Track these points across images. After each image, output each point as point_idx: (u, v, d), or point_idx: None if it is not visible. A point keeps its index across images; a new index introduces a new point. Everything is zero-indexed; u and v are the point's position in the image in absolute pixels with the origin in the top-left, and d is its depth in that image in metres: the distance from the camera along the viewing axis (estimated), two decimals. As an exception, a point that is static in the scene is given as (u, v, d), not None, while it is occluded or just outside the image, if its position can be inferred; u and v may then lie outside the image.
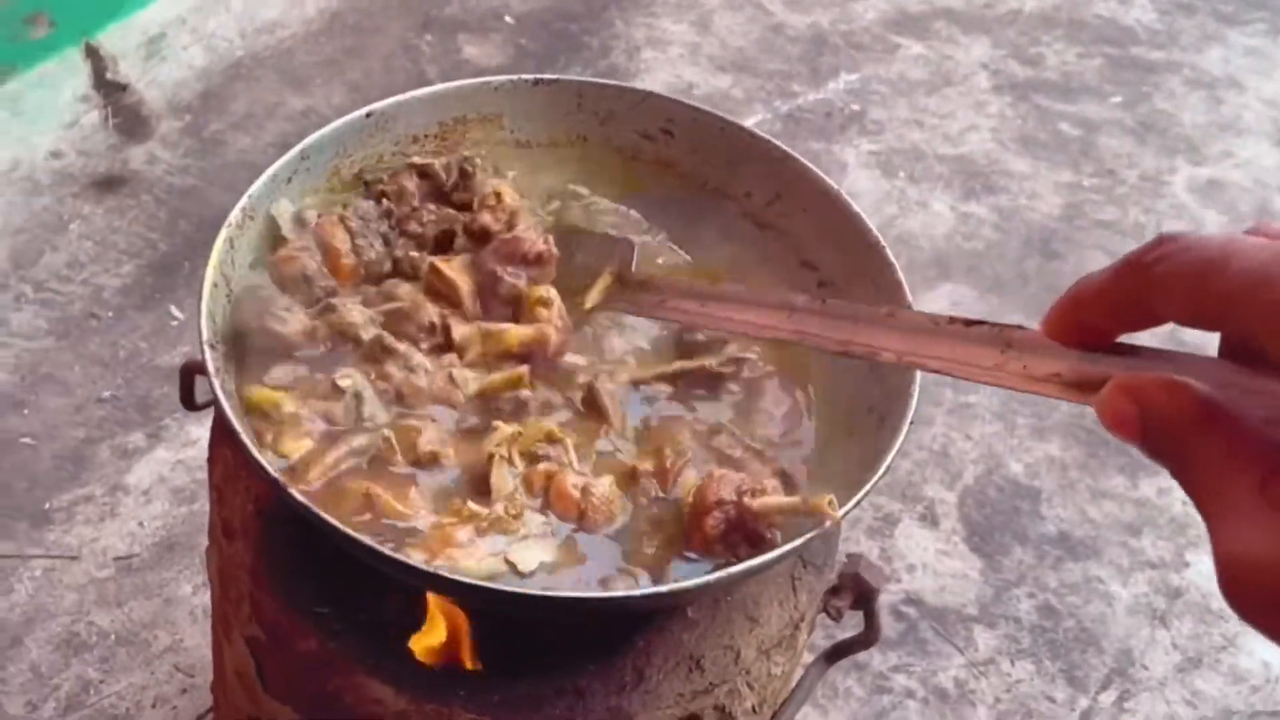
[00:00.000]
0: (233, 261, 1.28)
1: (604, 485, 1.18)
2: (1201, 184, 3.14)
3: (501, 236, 1.35)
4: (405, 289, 1.33)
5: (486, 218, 1.37)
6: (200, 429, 2.16)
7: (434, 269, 1.33)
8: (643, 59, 3.29)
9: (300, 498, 1.09)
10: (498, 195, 1.40)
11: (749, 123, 3.11)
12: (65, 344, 2.35)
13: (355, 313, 1.29)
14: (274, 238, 1.35)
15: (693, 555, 1.17)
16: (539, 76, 1.51)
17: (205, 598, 2.00)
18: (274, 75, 3.00)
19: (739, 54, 3.35)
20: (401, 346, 1.27)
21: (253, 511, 1.27)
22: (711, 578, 1.07)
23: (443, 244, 1.38)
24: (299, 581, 1.23)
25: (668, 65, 3.28)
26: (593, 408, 1.28)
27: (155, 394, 2.28)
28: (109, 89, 2.78)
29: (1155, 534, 2.32)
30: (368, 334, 1.27)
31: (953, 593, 2.18)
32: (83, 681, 1.90)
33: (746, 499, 1.16)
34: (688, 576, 1.13)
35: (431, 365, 1.28)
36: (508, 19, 3.33)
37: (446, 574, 1.06)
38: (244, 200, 1.31)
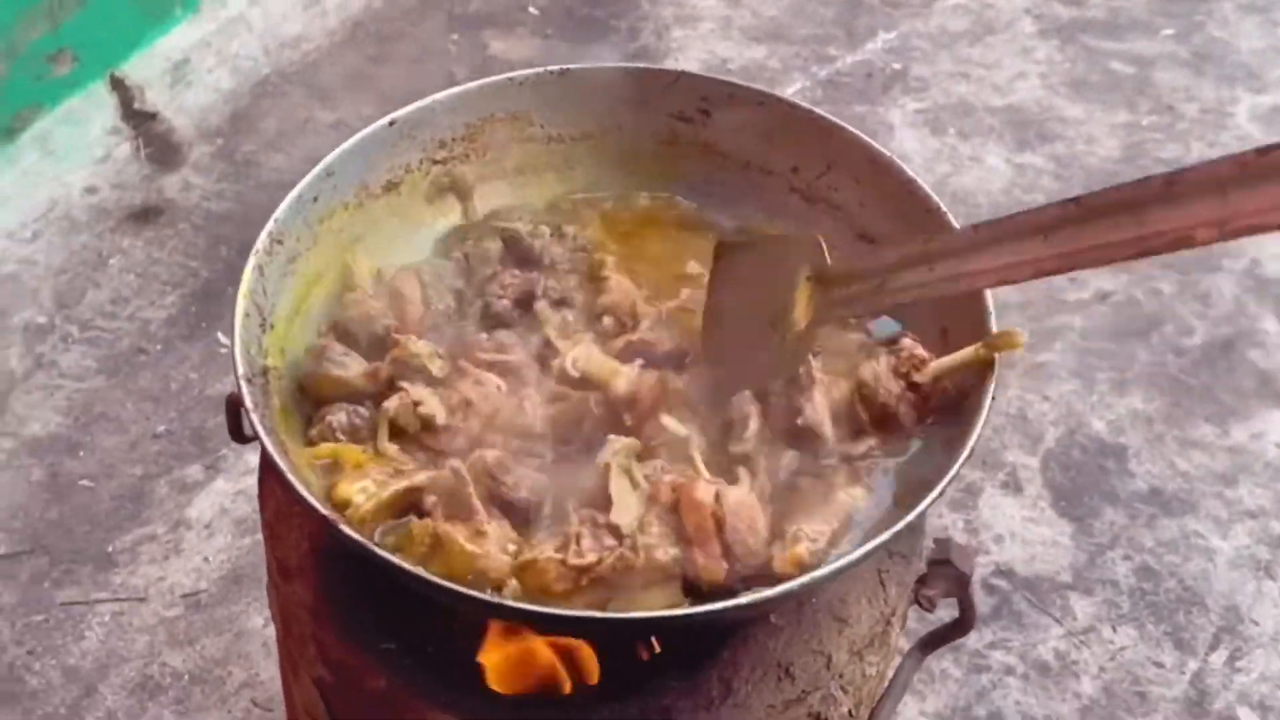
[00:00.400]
0: (264, 289, 1.23)
1: (741, 489, 1.11)
2: (1265, 111, 3.01)
3: (629, 339, 1.26)
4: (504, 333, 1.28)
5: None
6: (257, 458, 2.11)
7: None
8: (673, 38, 3.21)
9: (354, 535, 1.03)
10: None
11: (788, 92, 3.03)
12: (115, 381, 2.32)
13: (420, 345, 1.23)
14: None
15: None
16: (565, 67, 1.44)
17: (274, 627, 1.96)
18: (301, 91, 2.95)
19: (772, 23, 3.26)
20: (474, 369, 1.22)
21: (308, 549, 1.21)
22: (796, 584, 1.00)
23: (524, 304, 1.31)
24: (361, 618, 1.17)
25: (699, 42, 3.20)
26: None
27: (209, 424, 2.25)
28: (138, 119, 2.75)
29: (1252, 481, 2.22)
30: (434, 364, 1.21)
31: (1044, 561, 2.09)
32: (161, 725, 1.87)
33: (915, 375, 1.15)
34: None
35: (505, 387, 1.22)
36: (532, 10, 3.26)
37: (526, 607, 1.00)
38: (270, 225, 1.26)
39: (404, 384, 1.19)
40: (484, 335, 1.28)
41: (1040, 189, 2.80)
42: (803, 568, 1.06)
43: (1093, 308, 2.53)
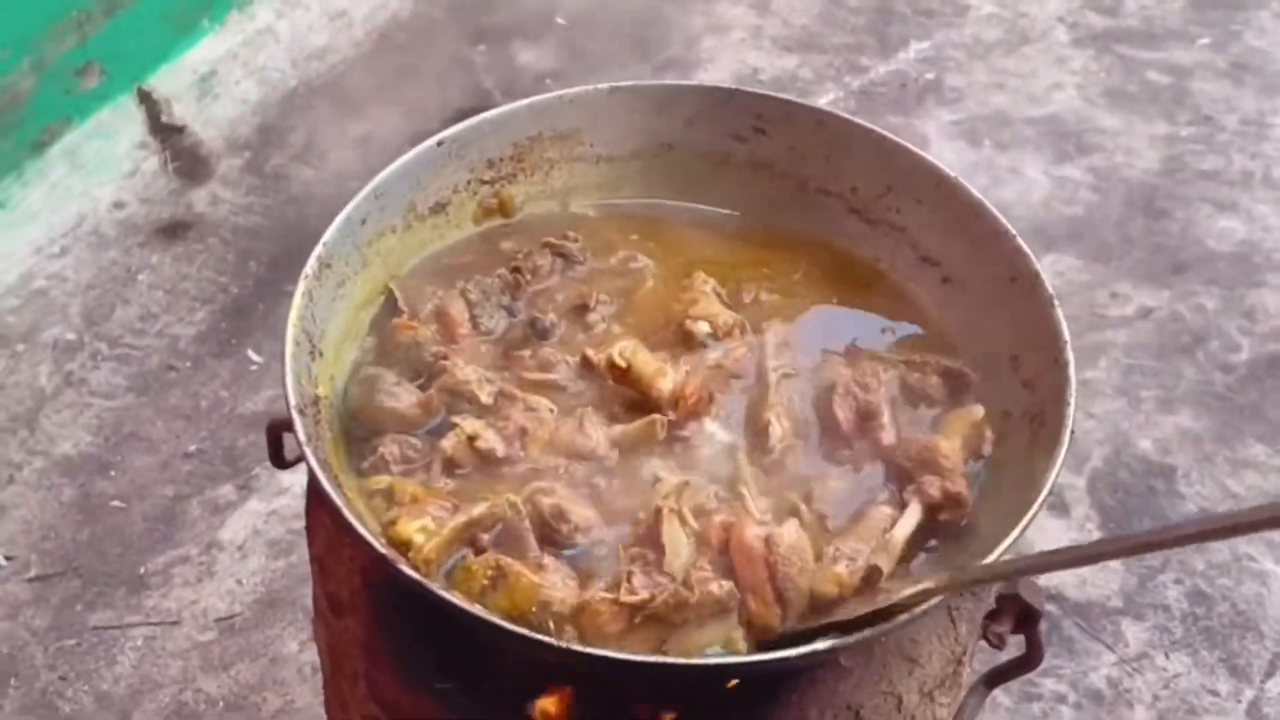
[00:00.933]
0: (313, 316, 1.20)
1: (790, 531, 1.07)
2: (1307, 121, 2.96)
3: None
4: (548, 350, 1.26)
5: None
6: (292, 477, 2.08)
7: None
8: (703, 48, 3.17)
9: (411, 572, 1.00)
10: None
11: (821, 103, 2.99)
12: (146, 399, 2.29)
13: (468, 371, 1.20)
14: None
15: None
16: (614, 85, 1.41)
17: (312, 653, 1.92)
18: (329, 103, 2.92)
19: (803, 31, 3.22)
20: (521, 393, 1.19)
21: (361, 584, 1.18)
22: (869, 632, 0.96)
23: (575, 315, 1.30)
24: (417, 655, 1.13)
25: (730, 51, 3.16)
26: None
27: (241, 443, 2.22)
28: (165, 132, 2.73)
29: (1304, 503, 2.17)
30: (484, 390, 1.18)
31: (1094, 585, 2.05)
32: (195, 753, 1.83)
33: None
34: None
35: (556, 411, 1.19)
36: (559, 20, 3.23)
37: (594, 652, 0.96)
38: (319, 249, 1.22)
39: (457, 419, 1.16)
40: (527, 353, 1.26)
41: (1080, 201, 2.75)
42: (842, 586, 1.04)
43: (1136, 324, 2.49)
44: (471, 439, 1.14)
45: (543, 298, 1.32)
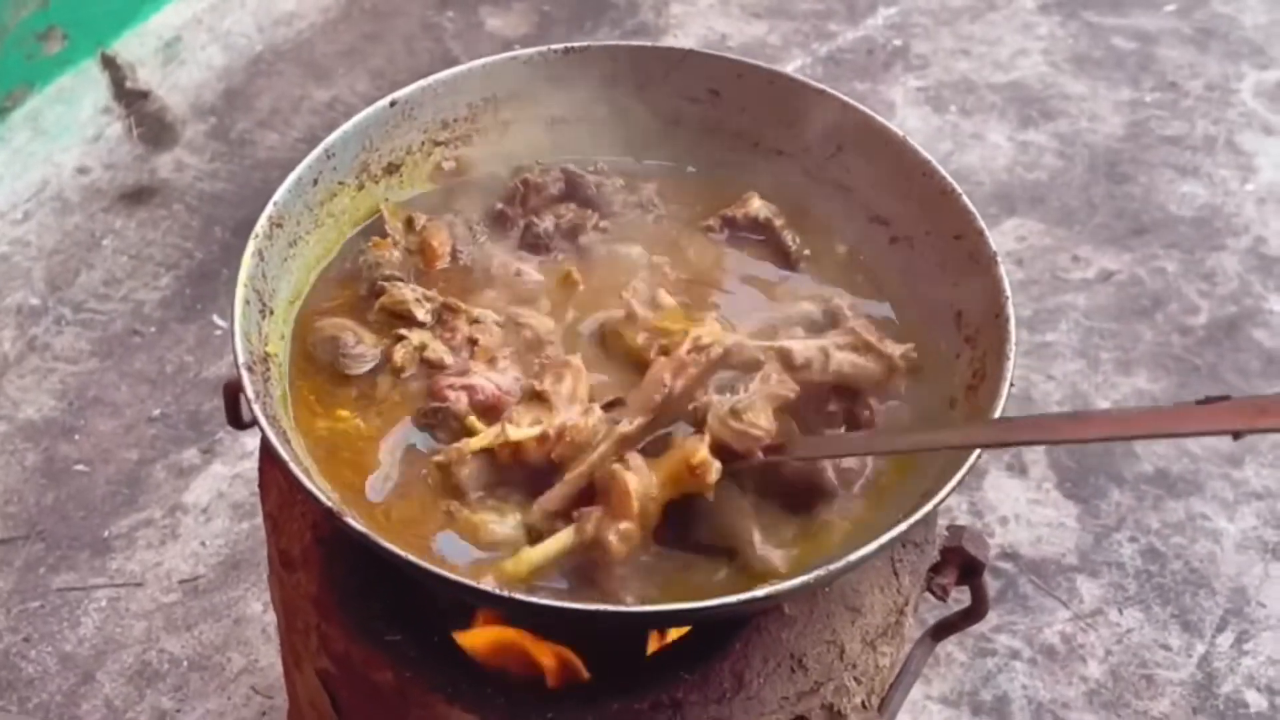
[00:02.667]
0: (264, 274, 1.20)
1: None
2: (1270, 88, 2.98)
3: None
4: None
5: None
6: (255, 440, 2.08)
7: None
8: (672, 14, 3.17)
9: (358, 526, 1.01)
10: None
11: (788, 69, 2.98)
12: (110, 364, 2.29)
13: (405, 290, 1.24)
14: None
15: None
16: (568, 45, 1.41)
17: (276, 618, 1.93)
18: (295, 68, 2.91)
19: (771, -2, 3.22)
20: (465, 305, 1.25)
21: (312, 539, 1.19)
22: (810, 576, 0.98)
23: (570, 235, 1.35)
24: (367, 609, 1.15)
25: (698, 18, 3.16)
26: None
27: (206, 408, 2.22)
28: (129, 98, 2.71)
29: (1258, 462, 2.20)
30: (421, 309, 1.23)
31: (1050, 543, 2.08)
32: (158, 712, 1.84)
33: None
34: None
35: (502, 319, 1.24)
36: (528, -14, 3.22)
37: (524, 598, 0.98)
38: (269, 208, 1.23)
39: (403, 331, 1.21)
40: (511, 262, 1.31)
41: (1043, 166, 2.77)
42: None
43: (1096, 287, 2.51)
44: (420, 349, 1.18)
45: (547, 212, 1.35)
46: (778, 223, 1.35)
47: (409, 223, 1.33)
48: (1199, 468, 2.19)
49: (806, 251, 1.34)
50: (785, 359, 1.15)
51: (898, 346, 1.19)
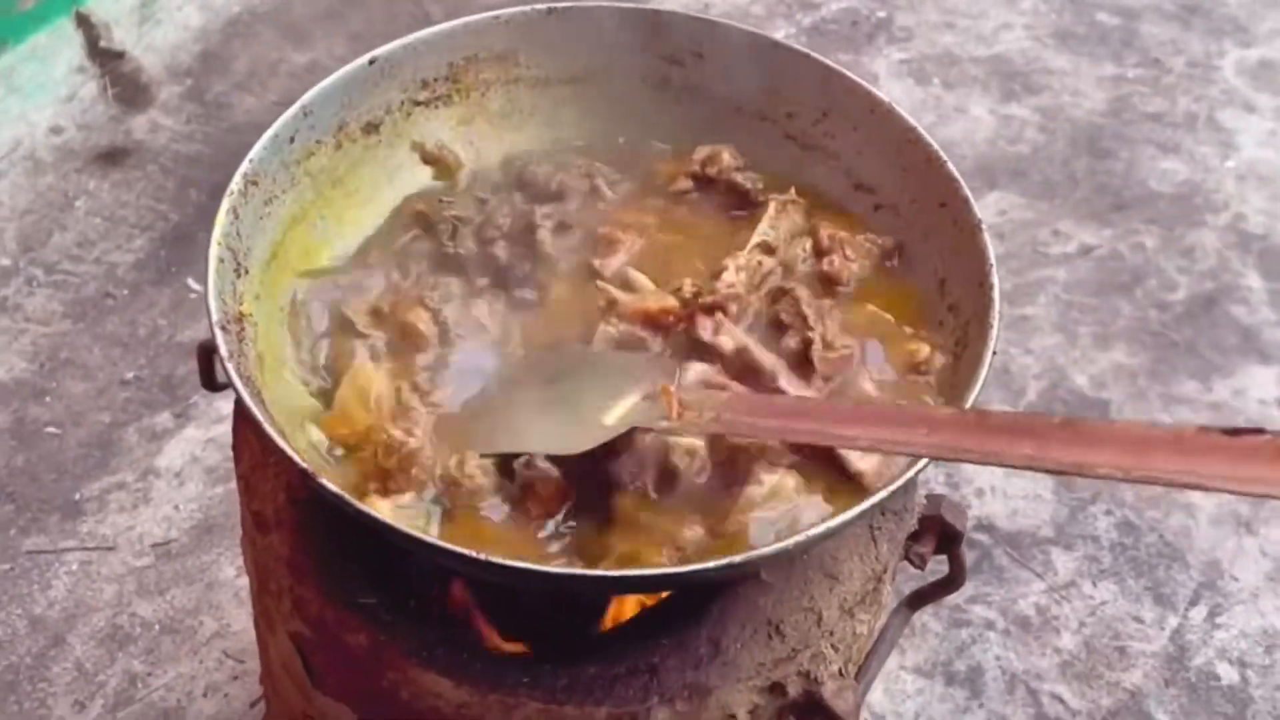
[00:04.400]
0: (238, 233, 1.18)
1: None
2: (1252, 65, 2.98)
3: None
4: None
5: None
6: (229, 404, 2.06)
7: None
8: (655, -19, 3.14)
9: (332, 488, 1.00)
10: None
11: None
12: (82, 326, 2.26)
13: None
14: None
15: None
16: (552, 5, 1.39)
17: (248, 580, 1.92)
18: (273, 30, 2.88)
19: (755, -33, 3.20)
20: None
21: (285, 501, 1.18)
22: (790, 542, 0.97)
23: (525, 240, 1.28)
24: (341, 571, 1.14)
25: (682, -15, 3.13)
26: None
27: (180, 371, 2.20)
28: (104, 58, 2.67)
29: (1233, 438, 2.21)
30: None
31: (1026, 515, 2.08)
32: (130, 676, 1.83)
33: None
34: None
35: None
36: (511, -50, 3.18)
37: (500, 561, 0.96)
38: (245, 165, 1.21)
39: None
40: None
41: (1025, 140, 2.76)
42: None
43: (1076, 261, 2.51)
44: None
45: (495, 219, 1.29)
46: (741, 173, 1.34)
47: (376, 314, 1.22)
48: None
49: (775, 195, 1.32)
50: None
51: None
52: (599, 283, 1.24)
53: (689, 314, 1.19)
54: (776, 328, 1.20)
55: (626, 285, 1.24)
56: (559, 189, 1.33)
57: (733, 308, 1.19)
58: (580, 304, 1.24)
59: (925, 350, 1.17)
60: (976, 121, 2.80)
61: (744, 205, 1.33)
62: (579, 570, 1.00)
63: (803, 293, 1.20)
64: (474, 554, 0.97)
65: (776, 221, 1.30)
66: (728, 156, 1.35)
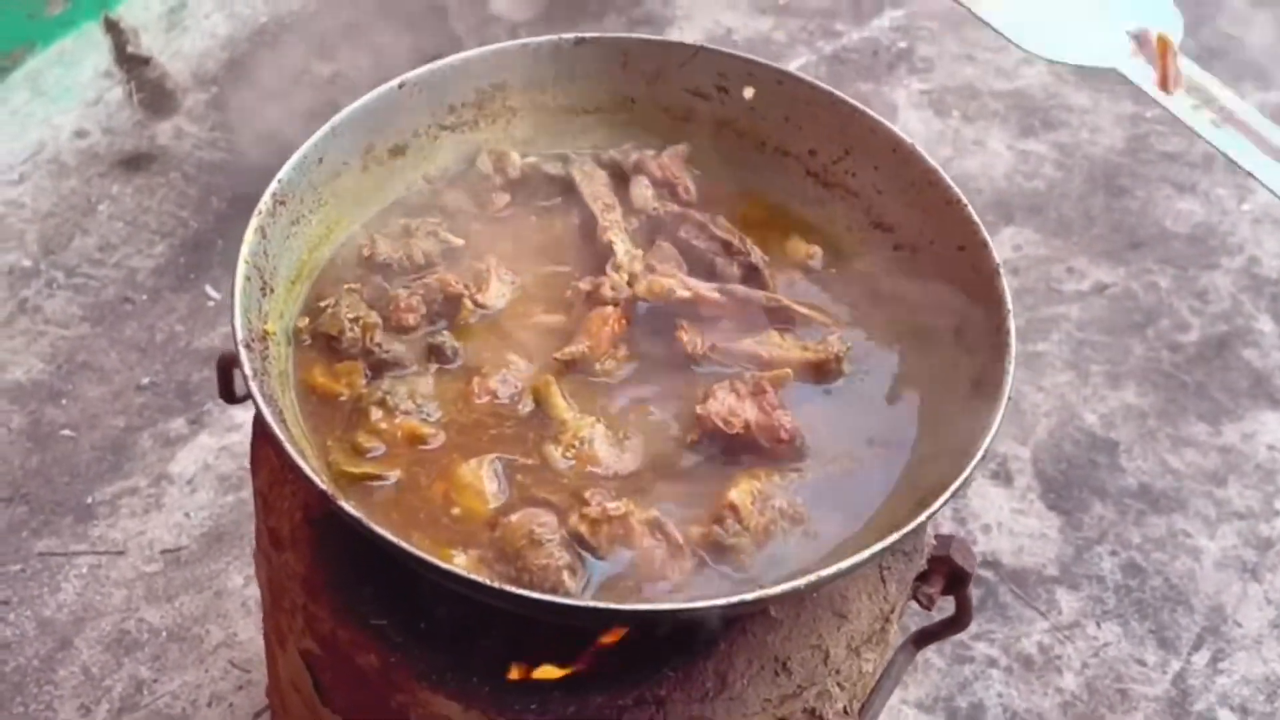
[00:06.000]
0: (265, 252, 1.20)
1: None
2: (1273, 109, 2.98)
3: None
4: None
5: None
6: (244, 414, 2.08)
7: None
8: (679, 4, 3.16)
9: (352, 510, 1.01)
10: None
11: (792, 67, 2.98)
12: (100, 330, 2.28)
13: None
14: None
15: None
16: (580, 36, 1.41)
17: (256, 588, 1.93)
18: (299, 41, 2.90)
19: (778, -6, 3.22)
20: None
21: (302, 519, 1.19)
22: (802, 582, 0.98)
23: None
24: (355, 591, 1.15)
25: (705, 10, 3.15)
26: None
27: (195, 378, 2.21)
28: (131, 63, 2.69)
29: (1241, 482, 2.21)
30: None
31: (1031, 553, 2.09)
32: (135, 681, 1.84)
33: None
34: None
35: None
36: (536, -32, 3.21)
37: (514, 591, 0.98)
38: (274, 185, 1.23)
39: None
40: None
41: (1042, 176, 2.77)
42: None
43: (1090, 299, 2.52)
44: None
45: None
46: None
47: (374, 431, 1.18)
48: (1182, 485, 2.20)
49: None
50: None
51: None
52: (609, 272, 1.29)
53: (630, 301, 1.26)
54: (691, 253, 1.31)
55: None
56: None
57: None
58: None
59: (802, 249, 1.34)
60: (994, 156, 2.81)
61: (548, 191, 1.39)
62: (590, 603, 1.01)
63: (698, 215, 1.33)
64: (490, 582, 0.98)
65: (592, 184, 1.37)
66: (515, 156, 1.39)
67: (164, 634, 1.89)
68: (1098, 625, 2.00)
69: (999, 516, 2.13)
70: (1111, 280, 2.55)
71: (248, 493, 2.06)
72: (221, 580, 1.96)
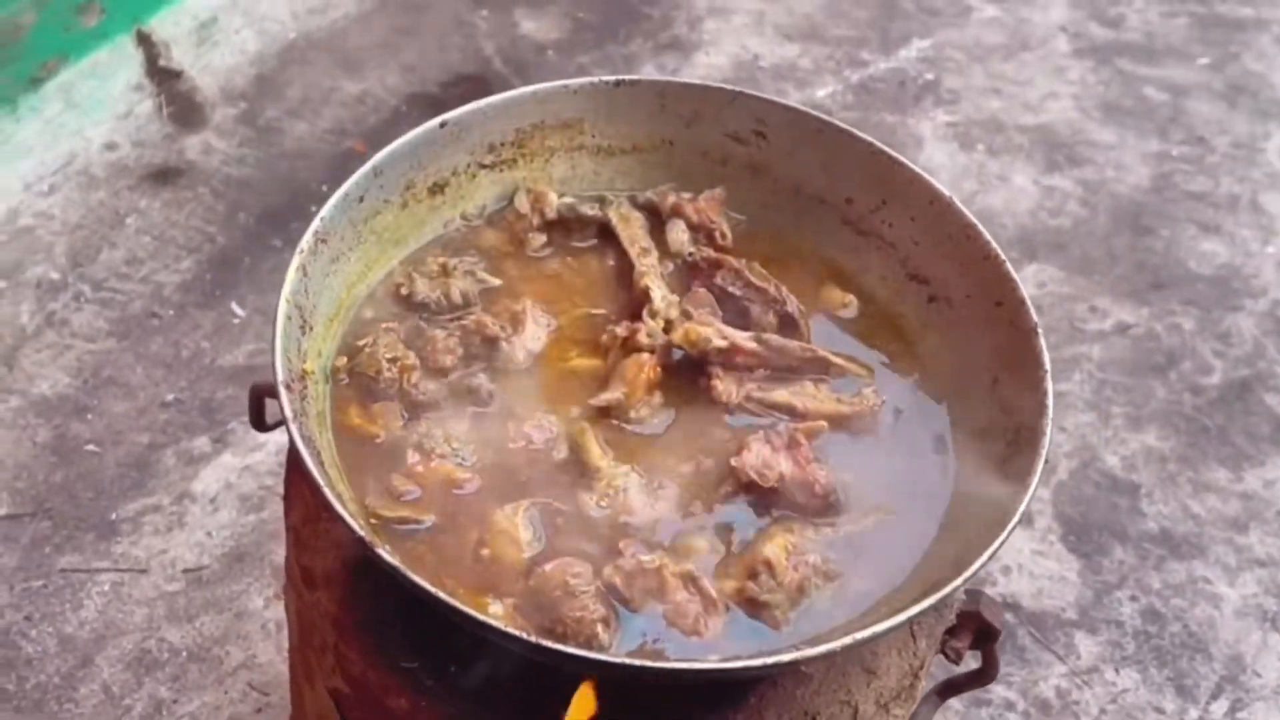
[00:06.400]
0: (306, 290, 1.21)
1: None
2: (1298, 150, 2.99)
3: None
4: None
5: None
6: (268, 434, 2.09)
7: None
8: (705, 30, 3.17)
9: (389, 558, 1.01)
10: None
11: (819, 95, 3.00)
12: (126, 345, 2.29)
13: None
14: None
15: None
16: (620, 79, 1.42)
17: (277, 611, 1.94)
18: (327, 58, 2.91)
19: (806, 20, 3.23)
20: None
21: (335, 559, 1.19)
22: (838, 645, 0.98)
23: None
24: (386, 633, 1.15)
25: (732, 35, 3.16)
26: None
27: (219, 396, 2.22)
28: (162, 77, 2.71)
29: (1263, 529, 2.21)
30: None
31: (1050, 596, 2.08)
32: (155, 701, 1.85)
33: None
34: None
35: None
36: (564, -10, 3.22)
37: (549, 645, 0.98)
38: (316, 224, 1.23)
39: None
40: None
41: (1067, 213, 2.78)
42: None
43: (1111, 339, 2.52)
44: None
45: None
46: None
47: (409, 474, 1.18)
48: (1203, 531, 2.20)
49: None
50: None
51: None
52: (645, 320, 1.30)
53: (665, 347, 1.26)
54: (727, 300, 1.31)
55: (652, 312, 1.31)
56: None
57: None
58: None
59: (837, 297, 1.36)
60: (1019, 191, 2.81)
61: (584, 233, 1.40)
62: (624, 660, 1.01)
63: (734, 262, 1.33)
64: (528, 636, 0.99)
65: (630, 228, 1.38)
66: (552, 196, 1.39)
67: (184, 654, 1.90)
68: (1116, 671, 2.00)
69: (1019, 558, 2.13)
70: (1134, 320, 2.55)
71: (269, 513, 2.07)
72: (242, 601, 1.97)
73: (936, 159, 2.87)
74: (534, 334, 1.29)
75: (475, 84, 2.89)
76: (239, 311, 2.36)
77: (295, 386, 1.14)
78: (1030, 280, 2.60)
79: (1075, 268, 2.65)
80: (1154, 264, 2.68)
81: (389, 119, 2.75)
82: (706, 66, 3.04)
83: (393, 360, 1.23)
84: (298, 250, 1.21)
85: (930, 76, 3.11)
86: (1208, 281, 2.66)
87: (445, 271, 1.32)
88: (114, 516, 2.04)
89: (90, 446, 2.13)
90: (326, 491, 1.04)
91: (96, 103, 2.62)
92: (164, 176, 2.59)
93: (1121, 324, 2.55)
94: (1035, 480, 1.08)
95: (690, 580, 1.09)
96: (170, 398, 2.21)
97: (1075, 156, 2.92)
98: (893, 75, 3.10)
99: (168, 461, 2.12)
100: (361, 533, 1.02)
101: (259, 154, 2.67)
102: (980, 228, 1.28)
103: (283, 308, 1.16)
